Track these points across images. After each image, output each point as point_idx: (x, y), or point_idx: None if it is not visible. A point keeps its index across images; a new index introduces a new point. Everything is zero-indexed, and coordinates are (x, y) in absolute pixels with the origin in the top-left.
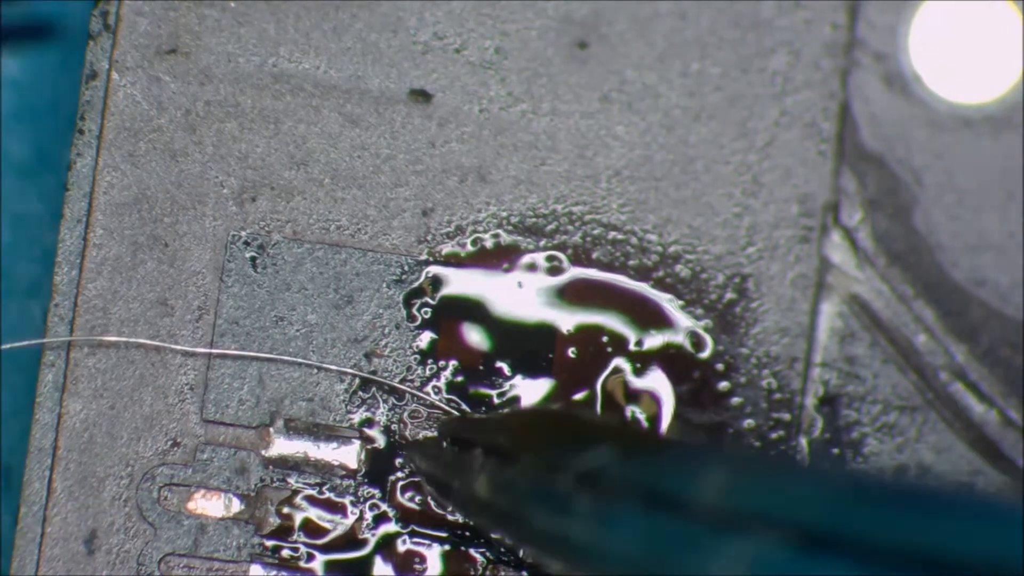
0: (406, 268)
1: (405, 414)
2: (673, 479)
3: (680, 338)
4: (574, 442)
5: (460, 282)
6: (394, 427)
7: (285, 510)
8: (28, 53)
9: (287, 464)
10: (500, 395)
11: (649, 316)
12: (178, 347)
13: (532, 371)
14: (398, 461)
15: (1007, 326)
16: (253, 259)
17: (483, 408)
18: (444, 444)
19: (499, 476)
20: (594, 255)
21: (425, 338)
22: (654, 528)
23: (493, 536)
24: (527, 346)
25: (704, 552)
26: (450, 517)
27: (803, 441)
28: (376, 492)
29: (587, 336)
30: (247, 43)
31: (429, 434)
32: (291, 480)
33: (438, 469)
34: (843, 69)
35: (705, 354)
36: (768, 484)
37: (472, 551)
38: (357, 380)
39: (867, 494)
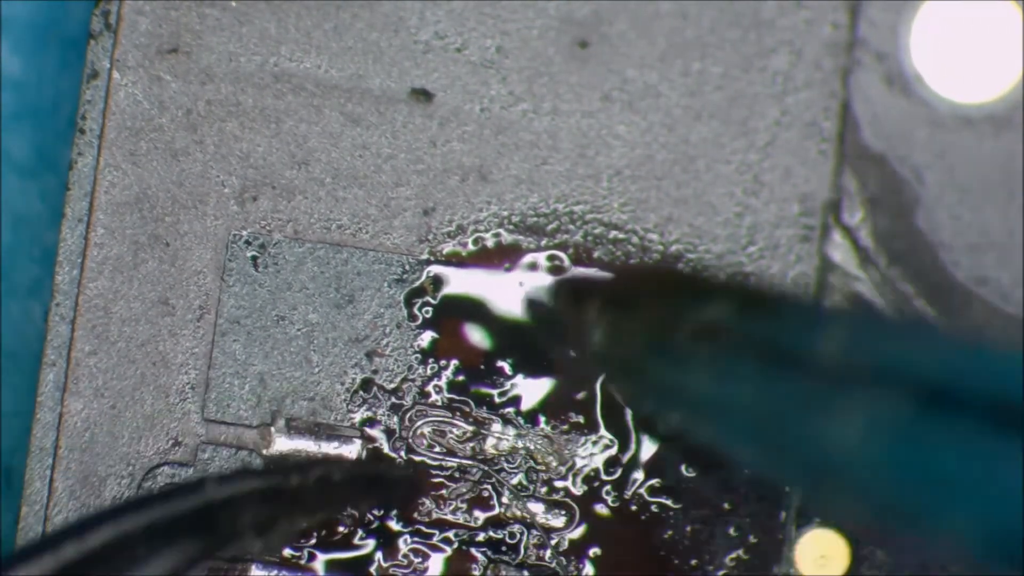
0: (407, 267)
1: (406, 415)
2: (792, 335)
3: None
4: (693, 296)
5: (461, 281)
6: (395, 427)
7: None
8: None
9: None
10: (501, 394)
11: None
12: None
13: (533, 370)
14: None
15: (1008, 325)
16: (254, 258)
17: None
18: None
19: (617, 328)
20: (595, 254)
21: (426, 337)
22: (771, 383)
23: (613, 386)
24: (528, 345)
25: (821, 409)
26: (450, 517)
27: None
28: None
29: None
30: (248, 42)
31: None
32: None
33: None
34: (844, 68)
35: None
36: (888, 341)
37: (473, 551)
38: (358, 379)
39: (988, 352)
